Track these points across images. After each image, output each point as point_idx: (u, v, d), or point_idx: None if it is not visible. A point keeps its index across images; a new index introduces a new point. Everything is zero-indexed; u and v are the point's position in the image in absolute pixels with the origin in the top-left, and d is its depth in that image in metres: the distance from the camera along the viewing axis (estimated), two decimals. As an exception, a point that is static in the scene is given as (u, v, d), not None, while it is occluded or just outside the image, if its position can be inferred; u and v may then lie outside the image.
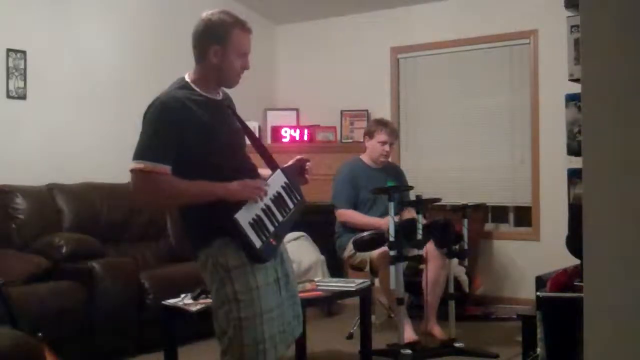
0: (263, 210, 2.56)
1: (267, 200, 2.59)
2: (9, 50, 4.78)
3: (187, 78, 2.67)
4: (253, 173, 2.69)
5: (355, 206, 4.88)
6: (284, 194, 2.70)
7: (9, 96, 4.75)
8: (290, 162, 2.83)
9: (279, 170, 2.73)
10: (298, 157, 2.87)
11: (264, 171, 2.77)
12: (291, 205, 2.71)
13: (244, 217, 2.48)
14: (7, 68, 4.76)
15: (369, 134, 5.00)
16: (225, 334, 2.55)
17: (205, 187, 2.51)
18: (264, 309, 2.54)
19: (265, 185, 2.59)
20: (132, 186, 2.51)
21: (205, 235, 2.57)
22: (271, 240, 2.55)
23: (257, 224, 2.52)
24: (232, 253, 2.52)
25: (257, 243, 2.49)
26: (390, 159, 5.36)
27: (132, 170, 2.48)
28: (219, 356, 2.60)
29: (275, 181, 2.68)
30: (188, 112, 2.54)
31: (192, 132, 2.53)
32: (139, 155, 2.48)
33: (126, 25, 5.59)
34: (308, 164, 2.85)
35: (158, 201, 2.57)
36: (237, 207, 2.49)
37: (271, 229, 2.57)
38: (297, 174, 2.82)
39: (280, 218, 2.63)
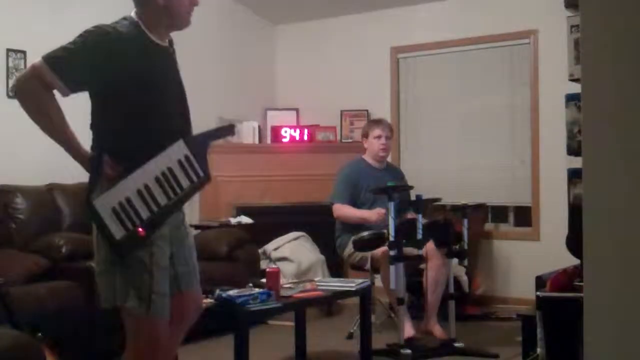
0: (139, 191, 2.26)
1: (146, 180, 2.28)
2: (9, 50, 4.78)
3: (136, 18, 2.48)
4: (179, 131, 2.46)
5: (353, 204, 4.90)
6: (178, 170, 2.36)
7: (9, 96, 4.74)
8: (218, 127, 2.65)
9: (180, 141, 2.40)
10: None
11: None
12: (185, 184, 2.37)
13: (107, 201, 2.20)
14: (7, 68, 4.76)
15: (365, 134, 5.13)
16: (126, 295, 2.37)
17: (61, 133, 2.36)
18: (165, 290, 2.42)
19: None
20: (22, 75, 2.38)
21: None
22: (139, 229, 2.23)
23: (123, 210, 2.22)
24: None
25: (118, 234, 2.20)
26: (390, 159, 5.38)
27: (33, 65, 2.35)
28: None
29: (171, 154, 2.35)
30: (124, 51, 2.37)
31: (123, 74, 2.36)
32: (49, 60, 2.33)
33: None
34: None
35: (28, 108, 2.35)
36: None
37: (144, 215, 2.26)
38: (221, 136, 2.63)
39: (163, 201, 2.30)
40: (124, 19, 2.51)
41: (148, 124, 2.42)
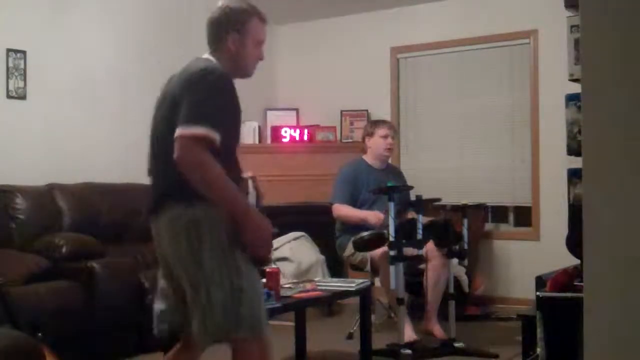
0: None
1: None
2: (9, 50, 4.78)
3: (215, 61, 2.59)
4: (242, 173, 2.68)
5: (353, 205, 4.89)
6: None
7: (9, 96, 4.74)
8: None
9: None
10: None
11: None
12: None
13: None
14: (7, 68, 4.76)
15: (369, 133, 5.08)
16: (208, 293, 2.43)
17: (238, 198, 2.41)
18: (257, 286, 2.57)
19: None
20: (179, 151, 2.31)
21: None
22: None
23: None
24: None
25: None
26: (390, 160, 5.37)
27: (190, 137, 2.31)
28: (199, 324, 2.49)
29: None
30: (235, 91, 2.52)
31: (235, 113, 2.51)
32: (197, 120, 2.32)
33: (126, 25, 5.59)
34: None
35: (201, 171, 2.33)
36: None
37: None
38: None
39: None
40: (207, 60, 2.58)
41: (235, 155, 2.59)
